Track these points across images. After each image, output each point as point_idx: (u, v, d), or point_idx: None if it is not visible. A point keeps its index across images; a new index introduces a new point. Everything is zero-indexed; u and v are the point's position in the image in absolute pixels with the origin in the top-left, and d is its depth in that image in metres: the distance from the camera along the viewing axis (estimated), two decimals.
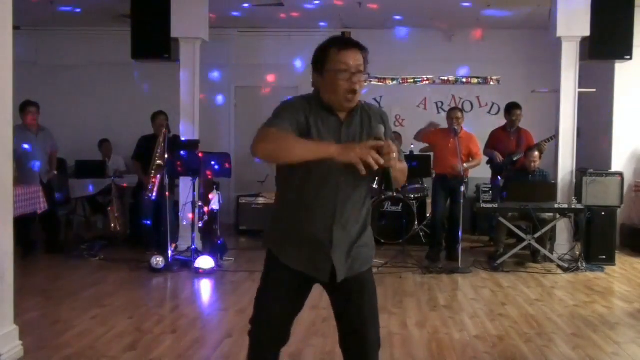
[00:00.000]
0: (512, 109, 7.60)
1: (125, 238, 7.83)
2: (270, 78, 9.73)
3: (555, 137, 7.29)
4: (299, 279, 2.42)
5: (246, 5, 8.06)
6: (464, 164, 6.77)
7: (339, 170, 2.27)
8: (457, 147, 6.69)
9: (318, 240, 2.36)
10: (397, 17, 8.80)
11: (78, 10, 8.39)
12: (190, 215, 6.85)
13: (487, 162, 7.62)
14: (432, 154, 7.35)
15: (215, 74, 9.68)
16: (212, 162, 6.71)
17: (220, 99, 9.81)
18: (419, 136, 7.72)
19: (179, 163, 6.59)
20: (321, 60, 2.33)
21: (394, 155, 2.19)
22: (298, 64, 9.61)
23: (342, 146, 2.18)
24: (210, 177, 6.93)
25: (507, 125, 7.67)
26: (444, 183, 7.02)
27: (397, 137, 8.83)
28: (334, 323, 2.42)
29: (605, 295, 5.66)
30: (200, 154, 6.63)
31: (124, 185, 8.04)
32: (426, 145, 7.64)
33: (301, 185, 2.34)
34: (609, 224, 6.90)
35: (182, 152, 6.62)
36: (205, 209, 6.88)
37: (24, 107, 6.94)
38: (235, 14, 8.56)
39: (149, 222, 7.34)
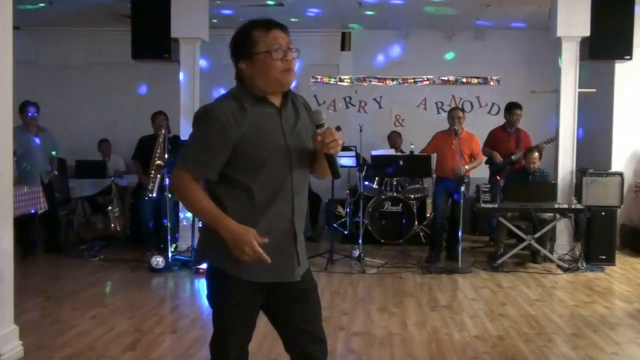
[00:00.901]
0: (512, 108, 7.61)
1: (125, 238, 7.83)
2: None
3: (554, 139, 7.29)
4: (256, 290, 2.26)
5: (246, 5, 8.06)
6: (466, 166, 6.77)
7: (289, 158, 2.22)
8: (458, 148, 6.69)
9: (282, 238, 2.23)
10: (397, 18, 8.80)
11: (78, 10, 8.39)
12: (190, 215, 6.85)
13: (486, 162, 7.62)
14: (434, 154, 7.31)
15: (215, 74, 9.67)
16: None
17: None
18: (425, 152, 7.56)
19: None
20: (247, 44, 2.20)
21: (339, 141, 2.19)
22: (298, 64, 9.58)
23: (235, 238, 2.09)
24: None
25: (506, 125, 7.66)
26: (445, 184, 7.01)
27: (397, 136, 8.84)
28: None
29: (605, 295, 5.66)
30: None
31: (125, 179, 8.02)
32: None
33: (250, 184, 2.17)
34: (609, 224, 6.90)
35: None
36: None
37: (23, 107, 6.94)
38: (235, 14, 8.56)
39: (149, 222, 7.34)
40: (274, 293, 2.30)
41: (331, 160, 2.22)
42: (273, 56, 2.17)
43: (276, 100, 2.26)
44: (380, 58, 9.50)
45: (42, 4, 7.95)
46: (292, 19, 8.86)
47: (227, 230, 2.10)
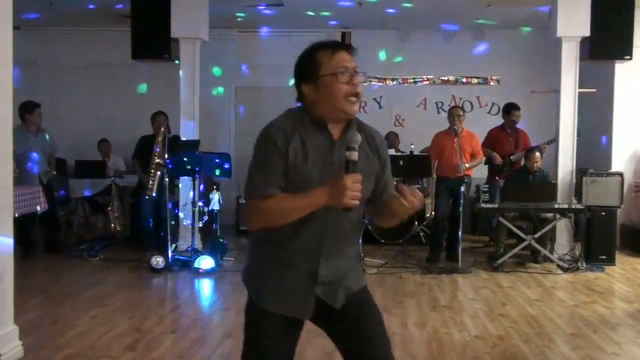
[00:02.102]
0: (511, 109, 7.61)
1: (125, 238, 7.83)
2: (270, 78, 9.72)
3: (554, 140, 7.29)
4: (287, 320, 2.15)
5: (246, 5, 8.06)
6: (466, 164, 6.77)
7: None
8: (459, 148, 6.68)
9: (302, 276, 2.11)
10: (397, 18, 8.79)
11: (78, 10, 8.39)
12: (190, 215, 6.85)
13: (485, 163, 7.61)
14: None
15: (215, 75, 9.68)
16: (217, 161, 6.70)
17: (220, 99, 9.80)
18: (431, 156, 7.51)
19: (179, 163, 6.58)
20: (311, 67, 2.09)
21: (415, 204, 2.01)
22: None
23: (330, 189, 1.95)
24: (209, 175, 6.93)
25: (505, 126, 7.66)
26: (446, 184, 7.01)
27: (395, 137, 8.83)
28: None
29: (605, 295, 5.66)
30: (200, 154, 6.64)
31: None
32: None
33: None
34: (609, 224, 6.90)
35: (182, 152, 6.62)
36: (205, 209, 6.88)
37: (26, 108, 6.94)
38: (235, 14, 8.56)
39: (149, 222, 7.34)
40: (322, 323, 2.22)
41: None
42: (339, 79, 2.04)
43: (336, 130, 2.11)
44: (380, 58, 9.50)
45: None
46: (292, 19, 8.87)
47: (318, 200, 1.98)
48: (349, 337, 2.17)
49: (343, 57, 2.07)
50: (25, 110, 6.92)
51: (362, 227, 2.28)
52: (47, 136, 7.36)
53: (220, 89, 9.82)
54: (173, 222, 6.85)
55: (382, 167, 2.18)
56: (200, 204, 6.81)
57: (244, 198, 2.17)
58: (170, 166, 6.57)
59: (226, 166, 6.80)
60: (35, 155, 7.03)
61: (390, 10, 8.30)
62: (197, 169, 6.56)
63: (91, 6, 8.04)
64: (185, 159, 6.59)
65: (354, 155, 1.95)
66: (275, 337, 2.17)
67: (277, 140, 2.03)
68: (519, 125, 7.64)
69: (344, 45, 2.12)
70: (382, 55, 9.49)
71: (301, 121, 2.09)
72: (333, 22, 9.09)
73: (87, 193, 8.21)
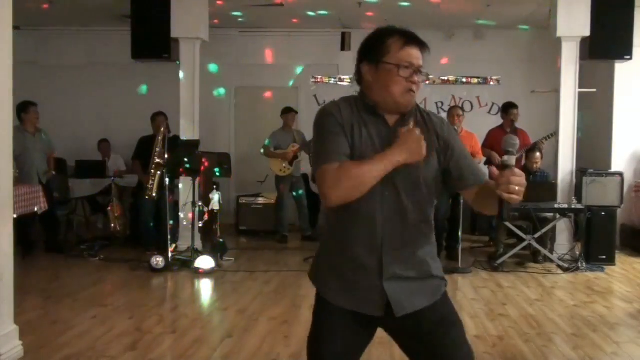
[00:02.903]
0: (509, 108, 7.61)
1: (125, 238, 7.83)
2: (270, 78, 9.73)
3: (555, 134, 7.28)
4: (354, 318, 2.04)
5: (246, 5, 8.06)
6: None
7: (385, 185, 1.93)
8: None
9: (362, 267, 1.99)
10: (397, 18, 8.79)
11: (78, 10, 8.39)
12: (190, 215, 6.85)
13: (485, 163, 7.62)
14: None
15: (215, 75, 9.68)
16: (212, 164, 6.71)
17: (220, 99, 9.80)
18: None
19: (179, 163, 6.58)
20: (377, 49, 1.98)
21: (517, 187, 1.81)
22: (298, 63, 9.61)
23: (404, 145, 1.89)
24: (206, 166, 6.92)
25: (504, 125, 7.67)
26: None
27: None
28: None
29: (605, 295, 5.66)
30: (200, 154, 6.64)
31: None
32: None
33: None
34: (609, 224, 6.90)
35: (182, 152, 6.62)
36: (205, 209, 6.88)
37: (25, 108, 6.94)
38: (235, 14, 8.56)
39: (149, 222, 7.34)
40: (391, 328, 2.09)
41: (499, 203, 1.87)
42: (400, 72, 1.95)
43: (391, 118, 2.02)
44: None
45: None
46: (292, 19, 8.87)
47: (394, 156, 1.89)
48: (421, 354, 2.06)
49: (412, 52, 1.98)
50: (22, 110, 6.92)
51: (432, 228, 2.11)
52: (45, 136, 7.36)
53: (220, 89, 9.82)
54: (172, 222, 6.84)
55: (446, 148, 2.04)
56: (200, 203, 6.81)
57: (313, 171, 2.03)
58: (170, 166, 6.56)
59: (226, 166, 6.80)
60: (33, 155, 7.03)
61: (390, 11, 8.30)
62: (197, 169, 6.56)
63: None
64: (185, 159, 6.59)
65: (512, 161, 1.86)
66: (338, 330, 2.06)
67: (335, 115, 1.97)
68: (518, 125, 7.64)
69: (417, 40, 2.01)
70: None
71: (356, 105, 2.02)
72: (333, 22, 9.10)
73: (87, 193, 8.20)
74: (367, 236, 1.98)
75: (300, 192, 8.37)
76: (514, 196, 1.80)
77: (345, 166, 1.89)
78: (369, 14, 8.21)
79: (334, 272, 2.05)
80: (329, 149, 1.93)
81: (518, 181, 1.79)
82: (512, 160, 1.84)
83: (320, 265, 2.13)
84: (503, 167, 1.82)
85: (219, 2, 7.73)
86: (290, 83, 9.73)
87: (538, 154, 7.00)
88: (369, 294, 2.00)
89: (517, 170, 1.81)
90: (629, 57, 7.01)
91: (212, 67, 9.54)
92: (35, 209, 5.78)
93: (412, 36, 2.00)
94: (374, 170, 1.88)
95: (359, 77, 2.06)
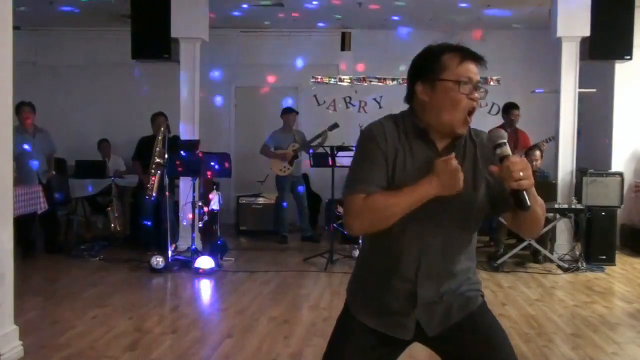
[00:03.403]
0: (510, 109, 7.61)
1: (125, 238, 7.83)
2: (270, 78, 9.73)
3: (553, 138, 7.29)
4: (383, 336, 1.98)
5: (246, 5, 8.06)
6: None
7: (427, 212, 1.85)
8: None
9: (396, 293, 1.95)
10: (397, 18, 8.80)
11: (77, 10, 8.39)
12: (190, 215, 6.85)
13: None
14: None
15: (215, 74, 9.68)
16: (212, 163, 6.71)
17: (220, 99, 9.80)
18: None
19: (178, 163, 6.59)
20: (433, 67, 1.88)
21: (521, 172, 1.72)
22: (298, 63, 9.61)
23: (440, 176, 1.79)
24: (210, 176, 6.93)
25: (505, 125, 7.66)
26: None
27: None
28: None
29: (606, 295, 5.66)
30: (200, 154, 6.63)
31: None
32: None
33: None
34: (609, 224, 6.90)
35: (182, 152, 6.62)
36: (205, 209, 6.88)
37: (17, 108, 6.93)
38: (235, 14, 8.56)
39: (149, 222, 7.34)
40: (429, 343, 2.03)
41: (514, 196, 1.76)
42: (460, 89, 1.84)
43: (440, 142, 1.92)
44: (381, 58, 9.49)
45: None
46: (292, 19, 8.86)
47: (427, 190, 1.81)
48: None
49: (470, 67, 1.88)
50: (15, 111, 6.90)
51: (473, 246, 2.03)
52: (46, 136, 7.36)
53: (221, 89, 9.82)
54: (173, 222, 6.84)
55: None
56: (200, 204, 6.81)
57: (342, 196, 1.94)
58: (170, 166, 6.56)
59: (226, 166, 6.80)
60: (33, 155, 7.03)
61: (390, 10, 8.30)
62: (197, 169, 6.56)
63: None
64: (185, 159, 6.59)
65: (507, 150, 1.78)
66: (363, 349, 1.99)
67: (379, 141, 1.88)
68: (518, 126, 7.64)
69: (474, 55, 1.92)
70: (382, 55, 9.48)
71: (404, 125, 1.92)
72: (333, 22, 9.10)
73: (87, 193, 8.20)
74: (404, 266, 1.92)
75: (301, 192, 8.37)
76: (523, 182, 1.73)
77: (372, 199, 1.83)
78: (372, 7, 8.18)
79: (367, 293, 2.01)
80: (361, 177, 1.87)
81: (520, 166, 1.73)
82: (505, 150, 1.79)
83: (354, 282, 2.09)
84: (500, 161, 1.78)
85: (219, 2, 7.73)
86: (291, 84, 9.72)
87: (538, 152, 7.01)
88: (401, 319, 1.96)
89: (514, 157, 1.76)
90: (629, 57, 7.01)
91: (213, 68, 9.51)
92: (36, 209, 5.78)
93: (469, 51, 1.92)
94: (401, 203, 1.81)
95: (410, 98, 1.96)
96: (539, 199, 1.86)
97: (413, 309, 1.94)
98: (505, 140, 1.81)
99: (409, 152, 1.89)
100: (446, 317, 1.97)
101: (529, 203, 1.75)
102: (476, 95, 1.87)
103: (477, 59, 1.91)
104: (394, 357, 2.07)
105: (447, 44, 1.94)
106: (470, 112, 1.87)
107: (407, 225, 1.86)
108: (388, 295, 1.96)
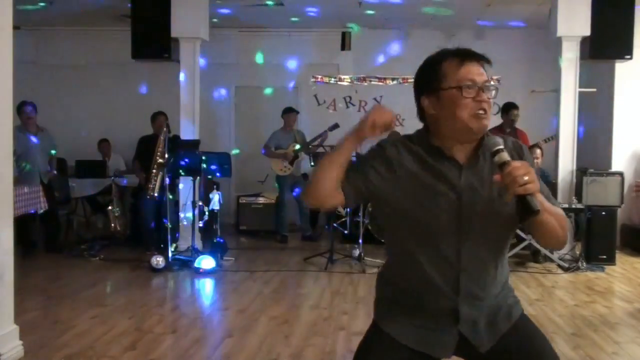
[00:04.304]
0: (510, 109, 7.61)
1: (126, 238, 7.83)
2: (270, 78, 9.72)
3: (553, 137, 7.29)
4: (410, 354, 1.89)
5: (246, 5, 8.06)
6: None
7: (460, 229, 1.80)
8: None
9: (437, 315, 1.87)
10: (397, 17, 8.79)
11: (78, 10, 8.39)
12: (190, 215, 6.85)
13: None
14: None
15: (215, 74, 9.67)
16: (212, 163, 6.71)
17: (220, 99, 9.80)
18: None
19: (179, 163, 6.59)
20: (433, 77, 1.83)
21: (525, 177, 1.63)
22: (298, 63, 9.60)
23: (357, 133, 1.80)
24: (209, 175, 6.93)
25: (504, 125, 7.66)
26: None
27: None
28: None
29: (606, 295, 5.66)
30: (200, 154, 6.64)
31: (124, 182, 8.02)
32: None
33: (406, 240, 1.86)
34: (609, 224, 6.89)
35: (182, 152, 6.62)
36: (206, 208, 6.88)
37: (20, 107, 6.94)
38: (235, 14, 8.56)
39: (149, 222, 7.34)
40: (470, 357, 1.95)
41: (522, 202, 1.67)
42: (463, 93, 1.77)
43: (461, 153, 1.85)
44: (381, 58, 9.50)
45: (42, 4, 7.95)
46: (292, 19, 8.87)
47: (348, 141, 1.81)
48: None
49: (471, 69, 1.81)
50: (17, 110, 6.91)
51: (506, 257, 1.97)
52: (48, 136, 7.36)
53: (221, 89, 9.82)
54: (173, 222, 6.83)
55: None
56: (200, 204, 6.81)
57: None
58: (169, 166, 6.56)
59: (226, 166, 6.80)
60: (35, 155, 7.03)
61: (390, 10, 8.30)
62: (197, 168, 6.56)
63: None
64: (185, 159, 6.59)
65: (505, 156, 1.71)
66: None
67: (387, 151, 1.85)
68: (518, 125, 7.64)
69: (474, 55, 1.85)
70: (382, 55, 9.48)
71: (420, 144, 1.87)
72: (333, 22, 9.10)
73: (87, 193, 8.20)
74: (441, 281, 1.84)
75: (299, 192, 8.37)
76: (528, 186, 1.64)
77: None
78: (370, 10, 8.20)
79: (398, 309, 1.92)
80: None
81: (522, 171, 1.64)
82: (503, 156, 1.71)
83: (383, 299, 2.00)
84: (500, 167, 1.71)
85: (219, 2, 7.73)
86: (291, 84, 9.72)
87: (538, 150, 7.02)
88: (439, 337, 1.88)
89: (515, 162, 1.69)
90: (629, 57, 7.00)
91: (212, 67, 9.51)
92: (38, 210, 5.77)
93: (467, 52, 1.85)
94: (328, 163, 1.81)
95: (421, 114, 1.91)
96: (554, 208, 1.81)
97: (455, 325, 1.86)
98: (502, 147, 1.74)
99: (427, 168, 1.83)
100: (492, 330, 1.90)
101: (537, 207, 1.67)
102: (484, 96, 1.79)
103: (478, 58, 1.84)
104: None
105: (446, 50, 1.88)
106: (481, 111, 1.79)
107: (441, 237, 1.81)
108: (424, 312, 1.88)
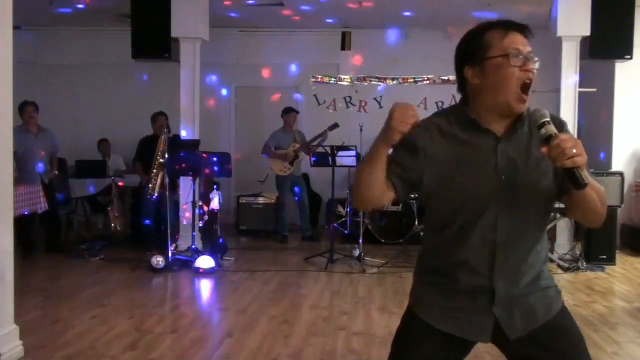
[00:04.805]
0: None
1: (126, 238, 7.83)
2: (271, 78, 9.72)
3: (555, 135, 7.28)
4: (447, 340, 1.88)
5: (246, 4, 8.06)
6: None
7: (497, 204, 1.78)
8: None
9: (473, 293, 1.84)
10: (397, 17, 8.79)
11: (78, 9, 8.39)
12: (190, 215, 6.85)
13: None
14: None
15: (215, 74, 9.68)
16: (213, 162, 6.71)
17: (220, 98, 9.80)
18: None
19: (179, 163, 6.59)
20: (477, 48, 1.78)
21: (574, 149, 1.59)
22: (298, 63, 9.60)
23: (385, 132, 1.73)
24: (209, 175, 6.93)
25: None
26: None
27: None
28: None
29: (606, 294, 5.66)
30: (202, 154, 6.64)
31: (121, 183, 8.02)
32: None
33: (445, 219, 1.84)
34: (609, 224, 6.88)
35: (182, 152, 6.62)
36: (205, 208, 6.88)
37: (21, 107, 6.95)
38: (235, 13, 8.56)
39: (149, 222, 7.34)
40: (504, 346, 1.90)
41: (569, 175, 1.63)
42: (511, 61, 1.75)
43: (498, 125, 1.82)
44: (381, 58, 9.49)
45: None
46: (292, 19, 8.86)
47: (376, 142, 1.77)
48: None
49: (516, 39, 1.78)
50: (19, 110, 6.92)
51: (545, 236, 1.92)
52: (49, 136, 7.37)
53: (221, 89, 9.82)
54: (173, 222, 6.83)
55: None
56: (200, 203, 6.81)
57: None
58: (169, 166, 6.56)
59: (226, 166, 6.81)
60: (36, 155, 7.03)
61: (390, 10, 8.31)
62: (197, 169, 6.57)
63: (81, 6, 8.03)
64: (185, 158, 6.59)
65: (552, 129, 1.67)
66: (431, 354, 1.90)
67: (418, 137, 1.81)
68: None
69: (518, 25, 1.82)
70: (382, 55, 9.48)
71: (455, 118, 1.85)
72: (333, 22, 9.10)
73: (87, 193, 8.20)
74: (477, 260, 1.82)
75: (301, 192, 8.37)
76: (576, 158, 1.60)
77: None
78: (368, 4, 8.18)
79: (434, 292, 1.91)
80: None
81: (571, 143, 1.60)
82: (550, 129, 1.67)
83: (419, 283, 1.99)
84: (547, 140, 1.65)
85: (219, 2, 7.73)
86: (291, 84, 9.72)
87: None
88: (476, 319, 1.85)
89: (563, 135, 1.65)
90: (629, 57, 7.00)
91: (212, 67, 9.51)
92: (36, 209, 5.78)
93: (511, 22, 1.82)
94: (363, 162, 1.83)
95: (462, 85, 1.87)
96: (596, 183, 1.75)
97: (490, 307, 1.82)
98: (549, 119, 1.70)
99: (464, 144, 1.81)
100: (529, 318, 1.85)
101: (585, 180, 1.62)
102: (530, 66, 1.77)
103: (522, 29, 1.82)
104: (461, 358, 1.97)
105: (487, 21, 1.85)
106: (525, 87, 1.77)
107: (478, 212, 1.79)
108: (460, 293, 1.85)
